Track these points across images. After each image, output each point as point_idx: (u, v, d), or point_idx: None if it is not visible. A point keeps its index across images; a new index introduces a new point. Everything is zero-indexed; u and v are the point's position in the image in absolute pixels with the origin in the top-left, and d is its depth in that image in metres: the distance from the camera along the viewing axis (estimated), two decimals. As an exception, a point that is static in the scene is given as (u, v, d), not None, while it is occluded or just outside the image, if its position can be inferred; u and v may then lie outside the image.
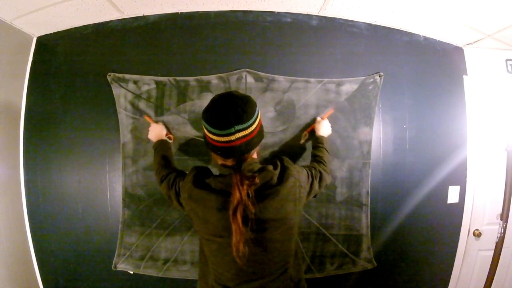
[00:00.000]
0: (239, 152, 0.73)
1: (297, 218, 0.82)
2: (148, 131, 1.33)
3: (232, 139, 0.70)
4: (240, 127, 0.70)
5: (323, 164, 1.05)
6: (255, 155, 0.84)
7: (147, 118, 1.39)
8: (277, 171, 0.78)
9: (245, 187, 0.69)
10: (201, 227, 0.80)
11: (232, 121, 0.69)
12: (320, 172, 0.96)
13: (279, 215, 0.76)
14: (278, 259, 0.81)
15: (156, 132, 1.29)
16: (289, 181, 0.76)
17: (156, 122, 1.38)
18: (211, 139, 0.74)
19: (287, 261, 0.84)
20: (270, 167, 0.78)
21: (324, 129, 1.27)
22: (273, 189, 0.75)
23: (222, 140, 0.71)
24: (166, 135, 1.33)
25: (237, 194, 0.68)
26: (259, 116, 0.78)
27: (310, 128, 1.37)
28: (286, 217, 0.77)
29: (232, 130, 0.69)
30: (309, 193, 0.87)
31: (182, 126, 1.40)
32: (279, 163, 0.81)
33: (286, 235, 0.80)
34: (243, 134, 0.71)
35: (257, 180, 0.72)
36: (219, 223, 0.74)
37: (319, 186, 0.93)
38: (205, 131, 0.76)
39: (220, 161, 0.80)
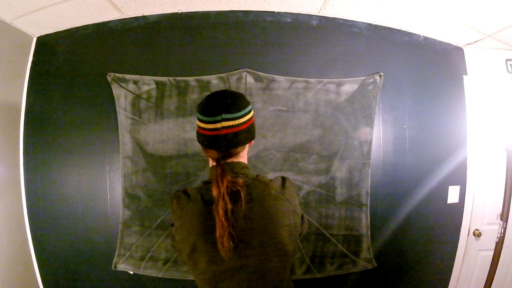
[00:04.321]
0: (224, 142, 0.74)
1: (293, 246, 0.78)
2: None
3: (218, 126, 0.72)
4: (227, 116, 0.72)
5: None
6: (244, 159, 0.82)
7: None
8: (275, 185, 0.75)
9: (225, 181, 0.69)
10: (193, 269, 0.76)
11: (220, 109, 0.72)
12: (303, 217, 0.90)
13: (274, 240, 0.72)
14: (272, 286, 0.77)
15: None
16: (283, 204, 0.74)
17: None
18: (200, 127, 0.76)
19: (282, 286, 0.80)
20: (265, 178, 0.76)
21: None
22: (265, 208, 0.72)
23: (209, 127, 0.73)
24: None
25: (216, 187, 0.69)
26: (250, 113, 0.78)
27: None
28: (282, 243, 0.73)
29: (219, 118, 0.71)
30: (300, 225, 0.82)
31: (181, 126, 1.40)
32: (280, 180, 0.78)
33: (282, 262, 0.76)
34: (229, 124, 0.72)
35: (240, 180, 0.71)
36: (208, 254, 0.71)
37: (302, 229, 0.87)
38: (197, 120, 0.78)
39: (207, 153, 0.79)
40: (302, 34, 1.47)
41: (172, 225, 0.81)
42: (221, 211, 0.67)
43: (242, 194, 0.70)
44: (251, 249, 0.71)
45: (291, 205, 0.75)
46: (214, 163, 0.78)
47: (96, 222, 1.47)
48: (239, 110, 0.74)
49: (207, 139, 0.75)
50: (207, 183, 0.77)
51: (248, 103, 0.78)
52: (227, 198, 0.68)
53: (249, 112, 0.78)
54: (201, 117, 0.75)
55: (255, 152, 1.42)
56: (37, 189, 1.48)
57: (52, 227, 1.49)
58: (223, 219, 0.67)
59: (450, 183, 1.61)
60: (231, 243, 0.68)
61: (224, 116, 0.72)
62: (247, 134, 0.77)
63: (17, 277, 1.42)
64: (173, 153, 1.41)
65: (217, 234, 0.68)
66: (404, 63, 1.56)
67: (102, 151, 1.46)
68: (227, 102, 0.73)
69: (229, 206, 0.68)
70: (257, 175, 0.78)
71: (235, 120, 0.73)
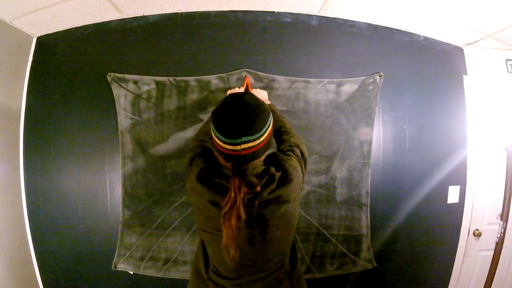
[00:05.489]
0: (243, 160, 0.72)
1: (296, 213, 0.82)
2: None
3: (238, 149, 0.69)
4: (248, 138, 0.68)
5: (292, 134, 0.98)
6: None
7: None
8: (279, 173, 0.77)
9: (242, 193, 0.68)
10: (200, 218, 0.81)
11: (240, 132, 0.68)
12: (298, 147, 0.91)
13: (281, 214, 0.76)
14: (276, 255, 0.82)
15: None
16: (292, 184, 0.76)
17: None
18: (217, 143, 0.73)
19: (285, 256, 0.85)
20: (273, 169, 0.77)
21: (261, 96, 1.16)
22: (276, 192, 0.74)
23: (227, 147, 0.70)
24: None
25: (232, 198, 0.68)
26: (270, 126, 0.75)
27: None
28: (286, 215, 0.78)
29: (239, 141, 0.68)
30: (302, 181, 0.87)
31: (181, 126, 1.40)
32: (277, 162, 0.80)
33: (286, 232, 0.81)
34: (249, 146, 0.69)
35: (258, 189, 0.71)
36: (218, 218, 0.73)
37: (304, 165, 0.90)
38: (212, 133, 0.75)
39: (226, 164, 0.79)
40: (302, 34, 1.47)
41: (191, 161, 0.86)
42: (233, 222, 0.67)
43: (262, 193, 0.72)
44: (260, 223, 0.75)
45: (298, 180, 0.79)
46: (224, 163, 0.78)
47: (96, 222, 1.47)
48: (260, 130, 0.70)
49: (224, 155, 0.73)
50: (220, 174, 0.77)
51: (268, 115, 0.74)
52: (241, 208, 0.68)
53: (269, 126, 0.75)
54: (219, 135, 0.71)
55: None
56: (37, 189, 1.48)
57: (52, 227, 1.49)
58: (234, 229, 0.68)
59: (450, 183, 1.61)
60: (237, 252, 0.70)
61: (245, 139, 0.68)
62: (266, 146, 0.75)
63: (17, 277, 1.42)
64: (173, 153, 1.41)
65: (224, 242, 0.69)
66: (404, 63, 1.56)
67: (102, 151, 1.46)
68: (248, 123, 0.68)
69: (243, 216, 0.68)
70: (266, 167, 0.77)
71: (255, 141, 0.70)
